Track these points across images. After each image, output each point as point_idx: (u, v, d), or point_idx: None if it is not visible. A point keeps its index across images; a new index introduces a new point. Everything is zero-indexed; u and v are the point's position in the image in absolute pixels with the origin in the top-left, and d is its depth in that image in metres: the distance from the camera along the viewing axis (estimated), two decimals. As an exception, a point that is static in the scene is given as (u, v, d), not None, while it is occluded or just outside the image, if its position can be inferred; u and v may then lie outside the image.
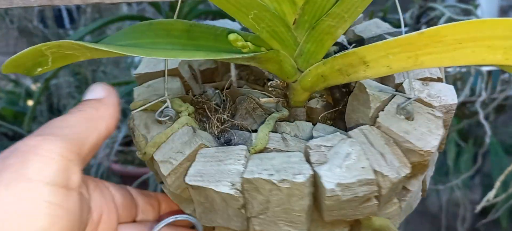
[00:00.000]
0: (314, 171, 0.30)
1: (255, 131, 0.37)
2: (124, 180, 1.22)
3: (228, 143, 0.36)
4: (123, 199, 0.37)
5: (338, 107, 0.40)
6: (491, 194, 0.64)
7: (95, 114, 0.32)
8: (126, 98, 1.02)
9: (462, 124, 0.96)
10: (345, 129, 0.39)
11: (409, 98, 0.34)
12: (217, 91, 0.41)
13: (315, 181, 0.31)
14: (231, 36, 0.32)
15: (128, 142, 1.23)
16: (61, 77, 1.21)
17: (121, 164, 1.27)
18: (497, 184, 0.64)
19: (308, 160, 0.32)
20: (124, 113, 1.02)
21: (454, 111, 0.36)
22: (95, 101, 0.34)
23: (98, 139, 0.32)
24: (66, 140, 0.29)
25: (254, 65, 0.36)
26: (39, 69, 0.32)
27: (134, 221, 0.38)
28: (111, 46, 0.31)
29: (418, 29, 0.83)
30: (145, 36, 0.34)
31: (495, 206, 0.90)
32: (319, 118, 0.39)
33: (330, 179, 0.30)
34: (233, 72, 0.44)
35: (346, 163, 0.31)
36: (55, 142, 0.28)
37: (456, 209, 1.04)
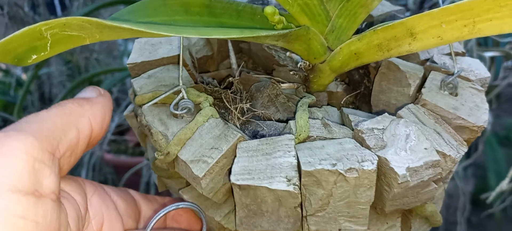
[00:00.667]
0: (378, 156, 0.27)
1: (280, 120, 0.33)
2: (117, 169, 1.12)
3: (256, 135, 0.31)
4: (127, 205, 0.31)
5: (360, 90, 0.37)
6: (504, 183, 0.64)
7: (76, 110, 0.26)
8: (119, 87, 0.93)
9: None
10: (369, 112, 0.36)
11: (451, 74, 0.32)
12: (230, 79, 0.36)
13: (380, 168, 0.27)
14: (269, 9, 0.28)
15: (121, 131, 1.15)
16: (53, 66, 1.08)
17: (114, 153, 1.17)
18: (510, 173, 0.64)
19: (363, 145, 0.28)
20: (117, 102, 0.92)
21: (487, 84, 0.34)
22: (81, 98, 0.28)
23: (79, 138, 0.26)
24: (34, 136, 0.23)
25: (282, 44, 0.31)
26: (34, 56, 0.25)
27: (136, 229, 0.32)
28: (129, 23, 0.25)
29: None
30: (160, 13, 0.29)
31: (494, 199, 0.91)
32: (342, 102, 0.36)
33: (399, 163, 0.26)
34: (233, 59, 0.39)
35: (408, 145, 0.28)
36: (18, 137, 0.22)
37: (450, 200, 1.06)
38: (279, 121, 0.33)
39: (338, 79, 0.38)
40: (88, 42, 0.26)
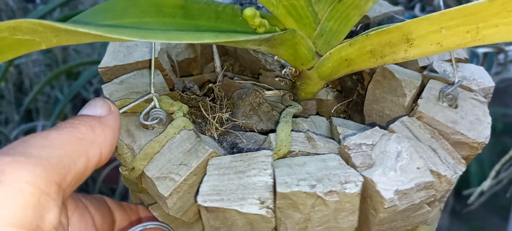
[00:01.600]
0: (363, 176, 0.24)
1: (262, 131, 0.31)
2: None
3: (233, 148, 0.29)
4: (103, 219, 0.29)
5: (352, 98, 0.34)
6: (486, 184, 0.61)
7: (88, 135, 0.24)
8: (99, 78, 0.91)
9: None
10: (362, 122, 0.33)
11: (452, 83, 0.29)
12: (210, 85, 0.33)
13: (366, 189, 0.24)
14: (248, 11, 0.25)
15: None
16: (29, 56, 1.06)
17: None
18: (492, 173, 0.62)
19: (349, 163, 0.25)
20: (97, 95, 0.90)
21: (491, 95, 0.31)
22: (92, 118, 0.25)
23: (87, 168, 0.23)
24: (44, 166, 0.20)
25: (265, 49, 0.29)
26: (-19, 61, 0.23)
27: None
28: (89, 26, 0.22)
29: (412, 9, 0.79)
30: (128, 15, 0.26)
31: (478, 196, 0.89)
32: (332, 111, 0.33)
33: (386, 185, 0.24)
34: (218, 62, 0.36)
35: (399, 164, 0.25)
36: (27, 167, 0.19)
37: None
38: (261, 131, 0.30)
39: (329, 86, 0.35)
40: (44, 47, 0.24)
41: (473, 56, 0.79)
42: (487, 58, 0.80)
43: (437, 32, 0.26)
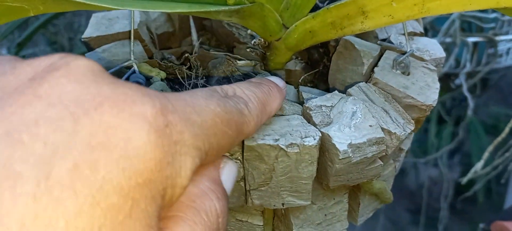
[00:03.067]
0: (321, 132, 0.27)
1: (234, 97, 0.33)
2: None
3: (208, 111, 0.31)
4: None
5: (318, 68, 0.37)
6: (478, 165, 0.64)
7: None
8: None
9: (445, 98, 0.95)
10: (327, 90, 0.36)
11: (405, 53, 0.32)
12: (186, 55, 0.36)
13: (323, 144, 0.27)
14: (218, -16, 0.28)
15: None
16: (37, 47, 1.06)
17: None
18: (485, 154, 0.65)
19: (310, 122, 0.28)
20: None
21: (442, 64, 0.35)
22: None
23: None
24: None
25: (236, 21, 0.31)
26: (-25, 25, 0.25)
27: None
28: (71, -6, 0.25)
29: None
30: (108, -14, 0.28)
31: (474, 183, 0.91)
32: (299, 80, 0.36)
33: (341, 139, 0.27)
34: (195, 35, 0.39)
35: (353, 122, 0.28)
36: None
37: (434, 186, 1.06)
38: (234, 97, 0.33)
39: (298, 58, 0.38)
40: (32, 14, 0.26)
41: (463, 45, 0.82)
42: (477, 48, 0.84)
43: (388, 5, 0.29)
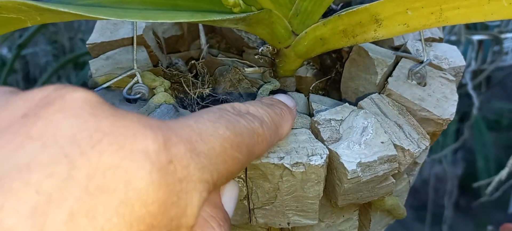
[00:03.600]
0: (330, 150, 0.26)
1: (242, 106, 0.32)
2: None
3: (213, 122, 0.30)
4: None
5: (331, 75, 0.35)
6: (504, 172, 0.62)
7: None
8: None
9: None
10: (339, 99, 0.35)
11: (422, 62, 0.30)
12: (193, 62, 0.35)
13: (331, 162, 0.26)
14: (222, -9, 0.26)
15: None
16: (37, 46, 1.07)
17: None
18: (510, 162, 0.62)
19: (318, 137, 0.27)
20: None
21: (462, 74, 0.33)
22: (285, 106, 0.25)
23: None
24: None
25: (242, 28, 0.30)
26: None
27: None
28: (69, 6, 0.24)
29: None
30: (108, -6, 0.27)
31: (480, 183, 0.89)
32: (310, 88, 0.35)
33: (350, 158, 0.25)
34: (203, 39, 0.37)
35: (364, 138, 0.26)
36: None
37: (439, 183, 1.04)
38: (241, 106, 0.32)
39: (310, 64, 0.36)
40: (30, 24, 0.25)
41: (468, 44, 0.79)
42: (482, 46, 0.81)
43: (403, 13, 0.27)
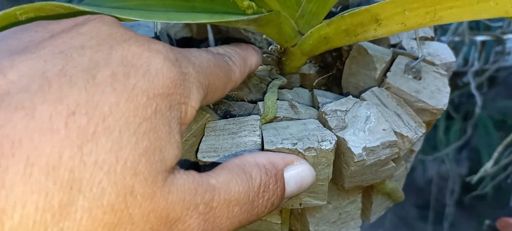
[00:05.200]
0: (337, 136, 0.29)
1: (252, 101, 0.35)
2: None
3: (227, 115, 0.33)
4: None
5: (332, 72, 0.38)
6: (488, 165, 0.65)
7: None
8: None
9: (454, 95, 0.96)
10: (340, 94, 0.37)
11: (417, 58, 0.33)
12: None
13: (339, 147, 0.29)
14: (238, -5, 0.29)
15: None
16: None
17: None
18: (495, 154, 0.66)
19: (326, 126, 0.30)
20: None
21: (452, 68, 0.36)
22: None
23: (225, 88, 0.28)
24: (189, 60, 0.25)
25: (253, 29, 0.33)
26: (11, 38, 0.27)
27: None
28: (102, 8, 0.26)
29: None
30: (133, -2, 0.30)
31: (483, 181, 0.92)
32: (314, 84, 0.38)
33: (356, 143, 0.28)
34: (212, 40, 0.40)
35: (367, 126, 0.29)
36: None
37: (443, 182, 1.07)
38: (251, 101, 0.35)
39: (312, 62, 0.39)
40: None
41: (471, 44, 0.83)
42: (485, 46, 0.84)
43: (401, 13, 0.30)
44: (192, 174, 0.22)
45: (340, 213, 0.32)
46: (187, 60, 0.24)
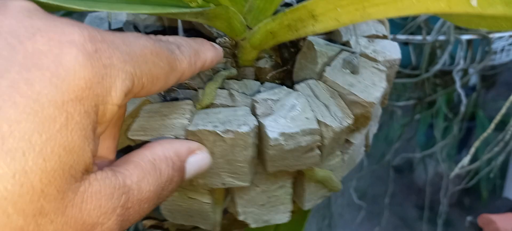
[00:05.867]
0: (259, 122, 0.30)
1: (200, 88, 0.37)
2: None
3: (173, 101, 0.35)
4: None
5: (287, 66, 0.40)
6: (466, 159, 0.65)
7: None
8: None
9: (450, 95, 0.95)
10: (292, 87, 0.39)
11: (354, 53, 0.35)
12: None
13: (260, 132, 0.31)
14: (178, -13, 0.32)
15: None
16: None
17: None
18: (472, 150, 0.66)
19: (254, 113, 0.32)
20: None
21: (397, 66, 0.36)
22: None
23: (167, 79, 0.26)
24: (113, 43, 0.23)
25: (202, 21, 0.35)
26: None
27: None
28: (64, 0, 0.30)
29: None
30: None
31: (478, 178, 0.91)
32: (268, 77, 0.39)
33: (274, 128, 0.30)
34: (181, 34, 0.43)
35: (291, 114, 0.31)
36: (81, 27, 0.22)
37: (435, 181, 1.06)
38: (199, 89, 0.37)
39: (272, 57, 0.41)
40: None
41: (457, 43, 0.81)
42: (471, 45, 0.83)
43: (334, 10, 0.31)
44: (109, 177, 0.21)
45: (269, 197, 0.34)
46: (113, 48, 0.21)
